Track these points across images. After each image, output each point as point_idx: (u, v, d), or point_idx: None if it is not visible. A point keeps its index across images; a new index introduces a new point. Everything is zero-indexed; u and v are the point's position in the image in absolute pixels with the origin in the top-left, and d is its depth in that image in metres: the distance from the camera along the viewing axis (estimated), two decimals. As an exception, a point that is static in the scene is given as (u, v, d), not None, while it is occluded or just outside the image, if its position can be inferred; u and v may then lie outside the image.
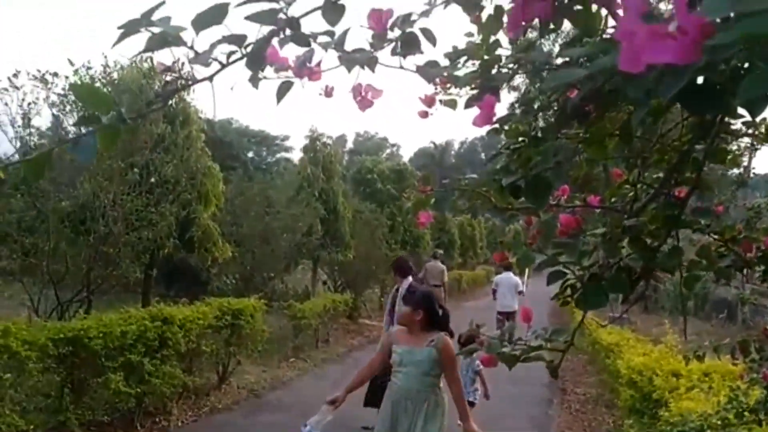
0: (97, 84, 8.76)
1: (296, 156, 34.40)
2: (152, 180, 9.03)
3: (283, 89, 1.48)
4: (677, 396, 5.27)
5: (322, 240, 16.05)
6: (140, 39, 1.13)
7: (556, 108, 1.43)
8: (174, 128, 10.52)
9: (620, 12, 1.66)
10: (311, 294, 16.24)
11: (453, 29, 1.84)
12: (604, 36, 1.42)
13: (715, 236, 1.81)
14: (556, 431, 8.24)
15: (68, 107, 8.60)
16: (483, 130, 1.84)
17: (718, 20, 0.72)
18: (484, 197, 2.02)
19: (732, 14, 0.71)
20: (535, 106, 1.67)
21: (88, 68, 9.20)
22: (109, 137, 1.09)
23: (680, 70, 0.84)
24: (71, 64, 8.95)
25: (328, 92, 1.56)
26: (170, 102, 8.51)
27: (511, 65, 1.49)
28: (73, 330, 6.04)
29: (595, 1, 1.54)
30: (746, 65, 0.81)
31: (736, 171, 9.92)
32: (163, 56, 1.27)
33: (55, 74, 8.31)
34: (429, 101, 2.04)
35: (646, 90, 0.94)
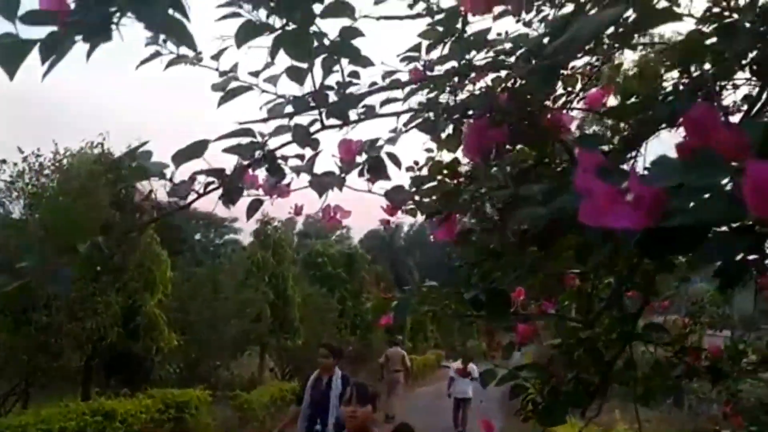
0: (47, 171, 8.67)
1: (245, 238, 34.03)
2: (98, 268, 8.82)
3: (254, 207, 1.52)
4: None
5: (271, 326, 15.80)
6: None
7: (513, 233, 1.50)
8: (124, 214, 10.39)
9: (567, 137, 1.78)
10: (258, 382, 15.82)
11: (413, 142, 1.92)
12: (559, 169, 1.51)
13: (667, 346, 1.88)
14: None
15: (14, 194, 8.45)
16: None
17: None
18: (444, 304, 2.07)
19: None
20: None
21: (38, 155, 9.11)
22: (86, 266, 1.11)
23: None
24: (21, 151, 8.86)
25: (298, 211, 1.61)
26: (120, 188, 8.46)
27: (472, 192, 1.57)
28: (11, 427, 5.76)
29: (547, 132, 1.65)
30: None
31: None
32: (116, 143, 1.30)
33: (3, 161, 8.21)
34: (391, 211, 2.11)
35: (603, 234, 1.02)
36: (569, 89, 2.11)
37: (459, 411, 13.26)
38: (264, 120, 1.49)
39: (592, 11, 1.11)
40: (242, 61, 1.38)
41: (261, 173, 1.53)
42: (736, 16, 0.94)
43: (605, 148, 1.71)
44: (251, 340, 16.01)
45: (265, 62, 1.39)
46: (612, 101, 2.09)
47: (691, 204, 0.70)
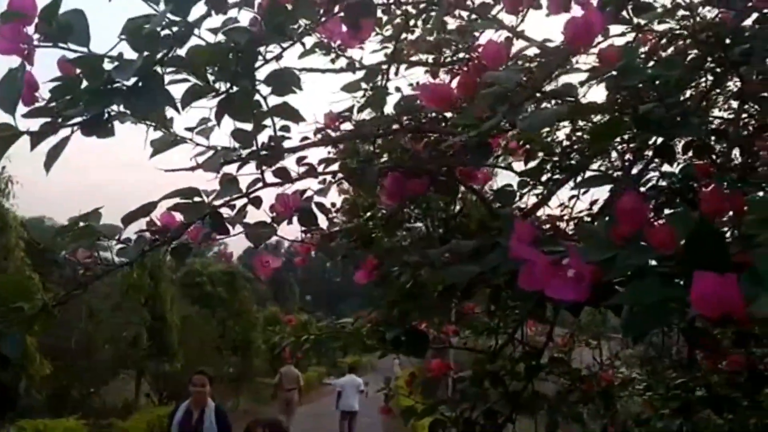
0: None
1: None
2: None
3: (183, 252, 1.55)
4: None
5: (148, 349, 15.22)
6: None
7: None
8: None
9: (478, 187, 1.92)
10: (134, 408, 15.18)
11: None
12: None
13: (566, 377, 2.06)
14: None
15: None
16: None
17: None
18: (358, 341, 2.15)
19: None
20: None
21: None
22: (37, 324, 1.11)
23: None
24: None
25: (228, 257, 1.65)
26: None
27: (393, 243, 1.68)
28: None
29: (463, 183, 1.79)
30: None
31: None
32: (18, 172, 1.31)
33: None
34: (306, 250, 2.18)
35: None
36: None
37: (345, 423, 13.78)
38: (192, 169, 1.53)
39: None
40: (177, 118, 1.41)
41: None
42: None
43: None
44: (128, 365, 15.36)
45: (200, 119, 1.43)
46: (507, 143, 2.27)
47: (630, 284, 0.82)
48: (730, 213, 0.83)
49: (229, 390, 19.03)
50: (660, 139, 1.32)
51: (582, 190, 1.72)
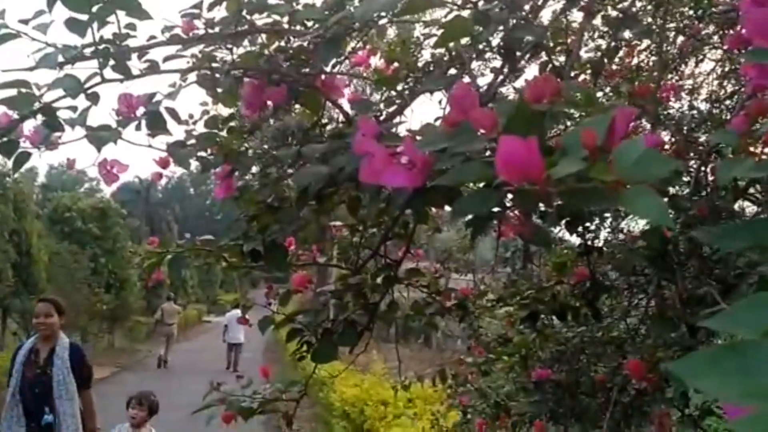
0: None
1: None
2: None
3: (21, 160, 1.45)
4: (386, 424, 5.75)
5: (14, 286, 14.46)
6: None
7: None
8: None
9: (341, 100, 1.91)
10: (2, 346, 14.47)
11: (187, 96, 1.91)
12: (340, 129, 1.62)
13: (424, 289, 2.13)
14: (273, 468, 8.37)
15: None
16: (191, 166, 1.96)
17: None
18: (219, 257, 2.12)
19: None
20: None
21: None
22: None
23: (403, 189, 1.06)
24: None
25: (71, 164, 1.55)
26: None
27: (254, 149, 1.64)
28: None
29: (322, 92, 1.76)
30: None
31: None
32: None
33: None
34: (163, 163, 2.09)
35: (377, 190, 1.15)
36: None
37: (231, 353, 15.20)
38: (31, 68, 1.42)
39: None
40: (10, 8, 1.30)
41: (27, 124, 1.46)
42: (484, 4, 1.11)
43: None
44: (-9, 303, 14.56)
45: (36, 10, 1.32)
46: (377, 63, 2.27)
47: (453, 166, 0.84)
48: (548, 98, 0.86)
49: (104, 328, 18.53)
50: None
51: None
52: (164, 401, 12.02)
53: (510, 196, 0.89)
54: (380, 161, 0.96)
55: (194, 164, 1.98)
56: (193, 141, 1.83)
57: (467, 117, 0.84)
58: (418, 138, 0.99)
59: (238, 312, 10.87)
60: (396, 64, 2.25)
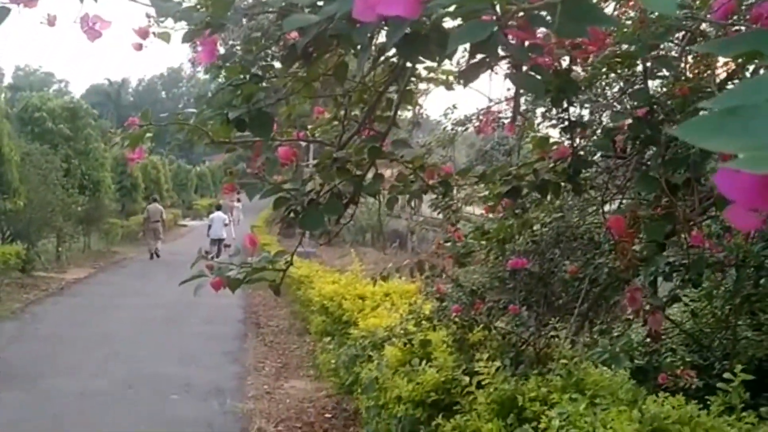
0: None
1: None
2: None
3: (1, 15, 1.41)
4: (364, 316, 5.92)
5: (-15, 187, 14.26)
6: None
7: (280, 49, 1.57)
8: None
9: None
10: (-25, 248, 14.40)
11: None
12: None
13: (408, 165, 2.14)
14: (253, 362, 8.60)
15: None
16: (163, 68, 1.92)
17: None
18: (202, 132, 2.11)
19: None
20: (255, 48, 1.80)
21: None
22: None
23: (399, 23, 1.05)
24: None
25: (51, 21, 1.51)
26: None
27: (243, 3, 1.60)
28: None
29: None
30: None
31: (409, 113, 11.02)
32: None
33: None
34: (143, 33, 2.03)
35: (369, 36, 1.14)
36: None
37: (215, 247, 16.96)
38: None
39: None
40: None
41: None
42: None
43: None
44: (-38, 204, 14.37)
45: None
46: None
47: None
48: None
49: (79, 230, 18.47)
50: None
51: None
52: (147, 301, 12.17)
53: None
54: (376, -5, 0.95)
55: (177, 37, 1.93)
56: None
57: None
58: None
59: (220, 214, 12.38)
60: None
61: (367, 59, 1.45)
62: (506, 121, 4.15)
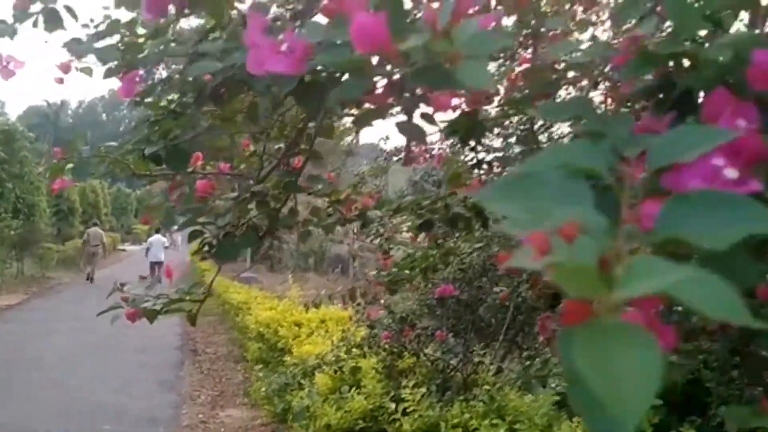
0: None
1: None
2: None
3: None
4: (299, 342, 5.93)
5: None
6: None
7: (195, 89, 1.63)
8: None
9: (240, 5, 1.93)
10: None
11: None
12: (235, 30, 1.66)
13: (326, 198, 2.22)
14: (189, 390, 8.47)
15: None
16: (103, 90, 1.97)
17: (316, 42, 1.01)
18: (123, 164, 2.14)
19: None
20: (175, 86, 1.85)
21: None
22: None
23: (291, 75, 1.13)
24: None
25: (-40, 59, 1.54)
26: None
27: (156, 50, 1.65)
28: None
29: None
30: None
31: (347, 142, 11.17)
32: None
33: None
34: (64, 68, 2.07)
35: (267, 85, 1.22)
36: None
37: (154, 270, 17.01)
38: None
39: None
40: None
41: None
42: None
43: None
44: None
45: None
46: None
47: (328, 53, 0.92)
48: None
49: (13, 255, 17.93)
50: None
51: None
52: (82, 326, 11.83)
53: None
54: (264, 50, 1.03)
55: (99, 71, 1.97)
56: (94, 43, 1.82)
57: (343, 9, 0.91)
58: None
59: (159, 237, 12.20)
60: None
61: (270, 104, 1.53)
62: (435, 153, 4.27)
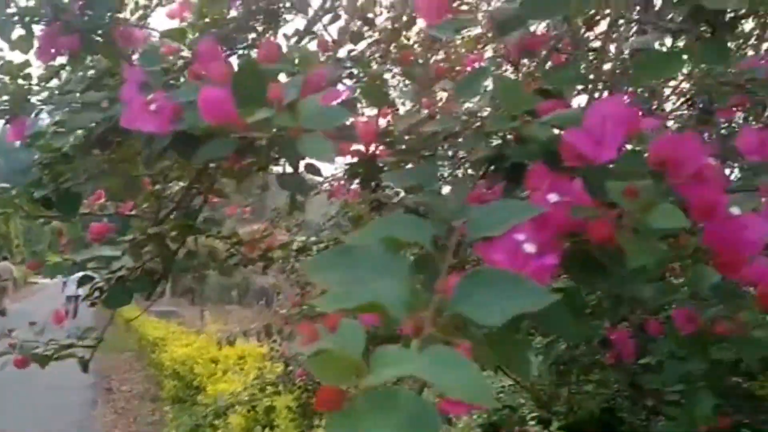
0: None
1: None
2: None
3: None
4: (215, 380, 5.82)
5: None
6: None
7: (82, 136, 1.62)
8: None
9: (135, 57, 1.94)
10: None
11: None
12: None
13: (226, 239, 2.22)
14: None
15: None
16: None
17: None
18: (16, 206, 2.10)
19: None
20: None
21: None
22: None
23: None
24: None
25: None
26: None
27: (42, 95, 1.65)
28: None
29: (118, 42, 1.79)
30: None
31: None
32: None
33: None
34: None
35: (146, 139, 1.24)
36: (147, 4, 2.26)
37: (71, 304, 16.74)
38: None
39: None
40: None
41: None
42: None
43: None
44: None
45: None
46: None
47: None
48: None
49: None
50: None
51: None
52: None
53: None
54: (136, 108, 1.05)
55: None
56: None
57: (206, 70, 0.95)
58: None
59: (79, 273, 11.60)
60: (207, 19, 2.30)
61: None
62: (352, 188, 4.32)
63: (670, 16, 1.09)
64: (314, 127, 0.75)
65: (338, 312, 0.53)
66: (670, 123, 2.40)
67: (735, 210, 0.67)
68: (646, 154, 0.75)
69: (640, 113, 0.98)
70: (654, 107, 2.45)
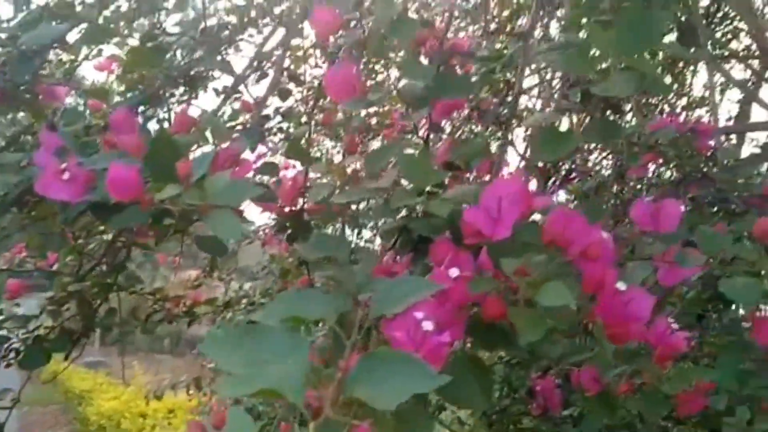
0: None
1: None
2: None
3: None
4: (142, 436, 5.63)
5: None
6: None
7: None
8: None
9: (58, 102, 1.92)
10: None
11: None
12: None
13: (150, 296, 2.18)
14: (21, 494, 7.75)
15: None
16: None
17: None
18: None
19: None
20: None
21: None
22: None
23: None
24: None
25: None
26: None
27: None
28: None
29: (42, 94, 1.77)
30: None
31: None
32: None
33: None
34: None
35: (61, 204, 1.23)
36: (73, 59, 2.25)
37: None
38: None
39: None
40: None
41: None
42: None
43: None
44: None
45: None
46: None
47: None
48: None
49: None
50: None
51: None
52: None
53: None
54: (50, 175, 1.04)
55: None
56: None
57: (120, 141, 0.95)
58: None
59: None
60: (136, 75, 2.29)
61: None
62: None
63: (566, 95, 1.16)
64: (222, 203, 0.76)
65: (238, 396, 0.54)
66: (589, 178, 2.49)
67: (621, 285, 0.72)
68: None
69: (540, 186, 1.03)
70: (577, 160, 2.55)
